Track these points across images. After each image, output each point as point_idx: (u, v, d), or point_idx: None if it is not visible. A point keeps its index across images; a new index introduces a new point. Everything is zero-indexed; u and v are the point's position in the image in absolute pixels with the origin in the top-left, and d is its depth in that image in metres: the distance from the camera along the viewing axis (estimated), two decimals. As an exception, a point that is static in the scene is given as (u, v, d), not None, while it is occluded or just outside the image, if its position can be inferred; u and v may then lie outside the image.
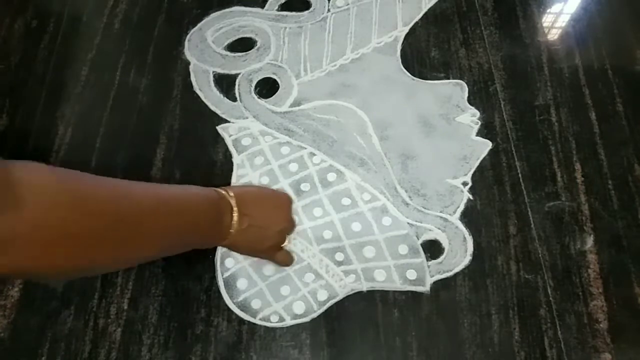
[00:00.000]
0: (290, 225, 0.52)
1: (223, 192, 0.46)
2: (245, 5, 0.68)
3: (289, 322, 0.50)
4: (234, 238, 0.46)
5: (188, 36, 0.66)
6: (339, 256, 0.53)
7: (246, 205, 0.46)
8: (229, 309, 0.51)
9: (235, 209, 0.45)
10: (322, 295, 0.51)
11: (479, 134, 0.59)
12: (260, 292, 0.51)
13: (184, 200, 0.41)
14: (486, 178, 0.57)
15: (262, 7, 0.68)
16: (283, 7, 0.68)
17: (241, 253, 0.51)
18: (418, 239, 0.54)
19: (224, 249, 0.53)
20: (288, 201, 0.54)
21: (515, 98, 0.61)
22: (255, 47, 0.65)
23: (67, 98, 0.62)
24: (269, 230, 0.49)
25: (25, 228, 0.28)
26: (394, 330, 0.50)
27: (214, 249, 0.53)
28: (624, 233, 0.54)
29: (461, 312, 0.50)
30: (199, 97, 0.62)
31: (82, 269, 0.34)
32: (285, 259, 0.52)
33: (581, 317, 0.50)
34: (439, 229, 0.54)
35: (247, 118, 0.60)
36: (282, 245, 0.52)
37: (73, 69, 0.64)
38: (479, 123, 0.60)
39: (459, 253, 0.53)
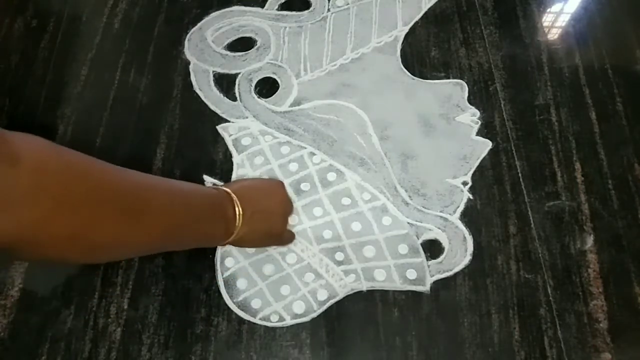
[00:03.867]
0: (290, 207, 0.53)
1: (221, 188, 0.46)
2: (245, 5, 0.68)
3: (289, 321, 0.50)
4: (241, 231, 0.46)
5: (188, 36, 0.66)
6: (339, 256, 0.53)
7: (245, 195, 0.46)
8: (229, 309, 0.51)
9: (236, 200, 0.45)
10: (322, 295, 0.51)
11: (479, 133, 0.59)
12: (260, 291, 0.51)
13: (184, 190, 0.41)
14: (486, 178, 0.57)
15: (262, 6, 0.68)
16: (283, 7, 0.68)
17: (250, 246, 0.51)
18: (418, 238, 0.54)
19: (224, 249, 0.53)
20: (281, 184, 0.54)
21: (515, 98, 0.61)
22: (255, 47, 0.65)
23: (67, 98, 0.62)
24: (272, 214, 0.50)
25: (24, 186, 0.27)
26: (394, 329, 0.50)
27: (214, 249, 0.53)
28: (624, 233, 0.54)
29: (461, 311, 0.50)
30: (198, 96, 0.62)
31: (82, 245, 0.33)
32: (290, 239, 0.53)
33: (581, 317, 0.50)
34: (439, 228, 0.54)
35: (247, 118, 0.60)
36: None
37: (73, 68, 0.64)
38: (479, 123, 0.60)
39: (459, 253, 0.53)
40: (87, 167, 0.33)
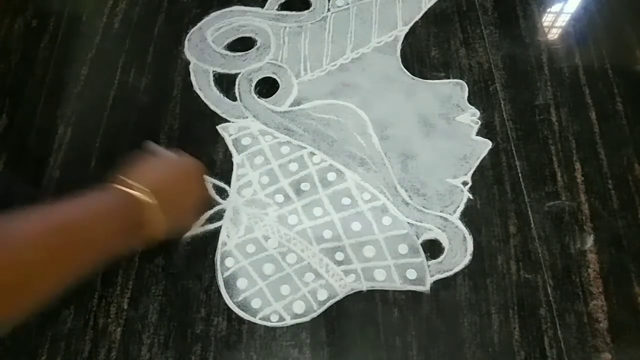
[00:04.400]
0: (201, 173, 0.46)
1: (119, 187, 0.39)
2: (245, 5, 0.68)
3: (289, 321, 0.50)
4: (156, 227, 0.39)
5: (188, 36, 0.66)
6: (339, 256, 0.53)
7: (159, 189, 0.39)
8: (229, 309, 0.51)
9: (147, 198, 0.39)
10: (322, 295, 0.51)
11: (479, 133, 0.59)
12: (260, 291, 0.51)
13: (77, 223, 0.36)
14: (486, 178, 0.57)
15: (262, 6, 0.68)
16: (283, 7, 0.68)
17: (171, 236, 0.42)
18: (418, 238, 0.54)
19: (224, 249, 0.53)
20: (173, 156, 0.46)
21: (515, 98, 0.61)
22: (255, 47, 0.65)
23: (67, 98, 0.62)
24: (190, 202, 0.44)
25: None
26: (394, 329, 0.50)
27: (214, 249, 0.53)
28: (624, 233, 0.54)
29: (461, 311, 0.50)
30: (198, 96, 0.62)
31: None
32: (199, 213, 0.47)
33: (581, 317, 0.50)
34: (439, 228, 0.54)
35: (247, 117, 0.60)
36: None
37: (73, 68, 0.64)
38: (479, 122, 0.60)
39: (459, 252, 0.53)
40: None
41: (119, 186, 0.39)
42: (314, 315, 0.50)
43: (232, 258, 0.53)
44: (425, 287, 0.51)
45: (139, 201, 0.39)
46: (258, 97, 0.62)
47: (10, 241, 0.32)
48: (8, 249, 0.31)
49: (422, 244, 0.53)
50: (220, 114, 0.61)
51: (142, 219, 0.39)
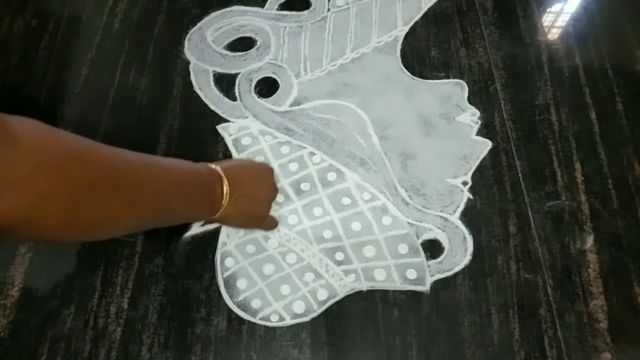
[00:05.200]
0: (275, 193, 0.53)
1: (211, 165, 0.46)
2: (245, 5, 0.68)
3: (289, 321, 0.50)
4: (226, 210, 0.46)
5: (188, 35, 0.66)
6: (339, 256, 0.53)
7: (234, 177, 0.47)
8: (229, 309, 0.51)
9: (225, 180, 0.46)
10: (322, 295, 0.51)
11: (479, 133, 0.59)
12: (260, 291, 0.51)
13: (175, 168, 0.42)
14: (486, 177, 0.57)
15: (262, 6, 0.68)
16: (283, 7, 0.68)
17: (233, 225, 0.52)
18: (418, 238, 0.54)
19: (224, 249, 0.53)
20: (270, 170, 0.54)
21: (515, 97, 0.61)
22: (255, 47, 0.65)
23: (67, 97, 0.62)
24: (258, 199, 0.50)
25: (22, 168, 0.28)
26: (394, 329, 0.50)
27: (214, 248, 0.53)
28: (624, 232, 0.54)
29: (461, 311, 0.50)
30: (198, 96, 0.62)
31: (79, 225, 0.33)
32: (272, 225, 0.53)
33: (581, 317, 0.50)
34: (439, 228, 0.54)
35: (247, 117, 0.60)
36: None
37: (73, 68, 0.64)
38: (479, 122, 0.60)
39: (459, 252, 0.53)
40: (82, 148, 0.33)
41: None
42: (314, 315, 0.50)
43: (232, 258, 0.53)
44: (425, 287, 0.51)
45: (213, 171, 0.46)
46: (258, 97, 0.62)
47: (121, 151, 0.36)
48: (121, 155, 0.36)
49: (422, 244, 0.53)
50: (220, 114, 0.61)
51: (214, 188, 0.45)
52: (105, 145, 0.36)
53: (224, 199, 0.45)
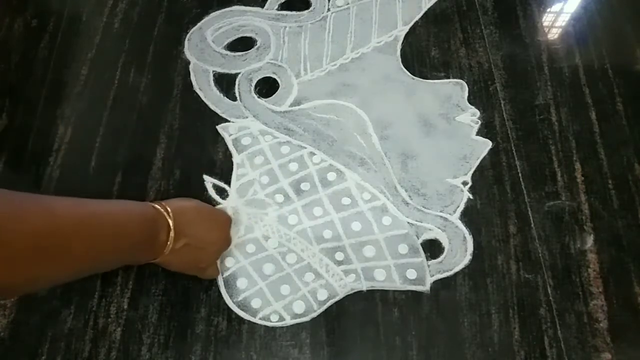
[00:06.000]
0: (227, 246, 0.51)
1: (161, 209, 0.43)
2: (245, 5, 0.68)
3: (289, 321, 0.50)
4: (167, 257, 0.44)
5: (188, 35, 0.66)
6: (339, 255, 0.53)
7: (184, 223, 0.44)
8: (229, 309, 0.51)
9: (172, 227, 0.43)
10: (322, 295, 0.51)
11: (479, 133, 0.59)
12: (260, 291, 0.51)
13: (115, 217, 0.39)
14: (486, 177, 0.57)
15: (262, 6, 0.68)
16: (283, 7, 0.68)
17: (171, 270, 0.49)
18: (418, 238, 0.54)
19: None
20: (227, 220, 0.52)
21: (516, 97, 0.61)
22: (255, 47, 0.65)
23: (67, 97, 0.62)
24: (205, 251, 0.48)
25: None
26: (394, 329, 0.50)
27: (214, 249, 0.53)
28: (624, 232, 0.54)
29: (461, 311, 0.50)
30: (198, 96, 0.62)
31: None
32: (213, 274, 0.51)
33: (581, 317, 0.50)
34: (439, 228, 0.54)
35: (247, 117, 0.60)
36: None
37: (73, 68, 0.64)
38: (479, 122, 0.60)
39: (459, 252, 0.53)
40: (4, 211, 0.31)
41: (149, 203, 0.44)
42: (314, 315, 0.50)
43: (232, 258, 0.53)
44: (425, 287, 0.51)
45: (162, 216, 0.43)
46: (258, 97, 0.62)
47: (49, 209, 0.34)
48: (49, 215, 0.33)
49: (422, 244, 0.53)
50: (220, 114, 0.61)
51: (158, 235, 0.43)
52: (31, 199, 0.33)
53: (167, 248, 0.43)
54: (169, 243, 0.43)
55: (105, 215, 0.38)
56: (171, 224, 0.43)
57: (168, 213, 0.43)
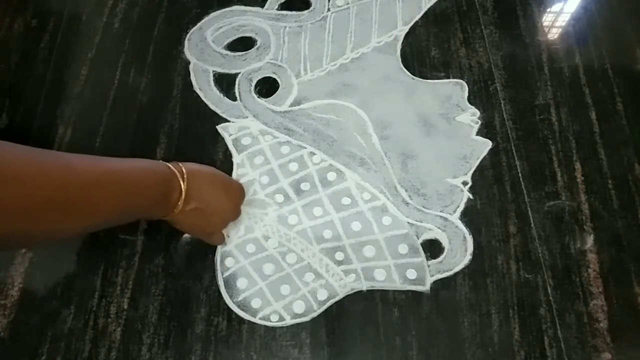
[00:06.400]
0: (235, 217, 0.52)
1: (176, 170, 0.45)
2: (245, 5, 0.68)
3: (289, 321, 0.50)
4: (177, 216, 0.46)
5: (188, 35, 0.66)
6: (339, 255, 0.53)
7: (196, 187, 0.46)
8: (229, 309, 0.51)
9: (184, 190, 0.44)
10: (322, 295, 0.51)
11: (479, 133, 0.59)
12: (260, 291, 0.51)
13: (131, 175, 0.41)
14: (486, 177, 0.57)
15: (262, 6, 0.68)
16: (283, 7, 0.68)
17: (179, 229, 0.50)
18: (418, 238, 0.54)
19: (224, 248, 0.53)
20: (239, 191, 0.53)
21: (516, 97, 0.61)
22: (255, 47, 0.65)
23: (67, 97, 0.62)
24: (213, 216, 0.48)
25: None
26: (394, 329, 0.50)
27: (214, 248, 0.53)
28: (624, 232, 0.54)
29: (461, 311, 0.50)
30: (198, 96, 0.62)
31: (19, 238, 0.34)
32: (218, 241, 0.52)
33: (581, 317, 0.50)
34: (439, 228, 0.54)
35: (247, 117, 0.60)
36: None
37: (73, 68, 0.64)
38: (479, 122, 0.60)
39: (459, 252, 0.53)
40: (26, 165, 0.32)
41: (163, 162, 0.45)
42: (314, 315, 0.50)
43: (232, 258, 0.53)
44: (425, 287, 0.52)
45: (175, 177, 0.44)
46: (258, 97, 0.62)
47: (69, 164, 0.36)
48: (69, 171, 0.35)
49: (422, 244, 0.53)
50: (220, 114, 0.61)
51: (170, 194, 0.44)
52: (56, 157, 0.35)
53: (177, 207, 0.44)
54: (179, 203, 0.44)
55: (122, 171, 0.40)
56: (183, 187, 0.44)
57: (182, 175, 0.45)
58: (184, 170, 0.45)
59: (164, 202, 0.44)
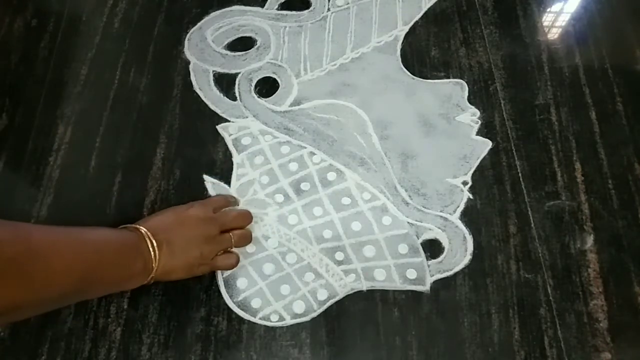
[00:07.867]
0: (205, 229, 0.50)
1: (132, 227, 0.46)
2: (245, 5, 0.68)
3: (289, 321, 0.50)
4: (161, 263, 0.45)
5: (188, 35, 0.66)
6: (339, 255, 0.53)
7: (157, 229, 0.46)
8: (229, 308, 0.51)
9: (149, 236, 0.45)
10: (322, 295, 0.51)
11: (479, 133, 0.59)
12: (260, 291, 0.51)
13: (96, 239, 0.41)
14: (486, 177, 0.57)
15: (262, 6, 0.68)
16: (283, 6, 0.68)
17: (179, 276, 0.49)
18: (418, 238, 0.54)
19: (224, 249, 0.53)
20: (186, 207, 0.51)
21: (516, 97, 0.61)
22: (255, 46, 0.65)
23: (67, 97, 0.62)
24: (191, 242, 0.48)
25: None
26: (394, 329, 0.50)
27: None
28: (624, 232, 0.54)
29: (461, 311, 0.50)
30: (198, 96, 0.62)
31: None
32: (228, 263, 0.51)
33: (581, 317, 0.50)
34: (439, 228, 0.54)
35: (247, 117, 0.60)
36: (225, 249, 0.51)
37: (73, 68, 0.64)
38: (479, 122, 0.60)
39: (459, 252, 0.53)
40: None
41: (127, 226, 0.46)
42: (314, 315, 0.50)
43: (232, 258, 0.53)
44: (425, 287, 0.51)
45: (140, 233, 0.45)
46: (258, 97, 0.62)
47: (25, 234, 0.35)
48: (24, 241, 0.34)
49: (422, 244, 0.53)
50: (220, 114, 0.61)
51: (142, 252, 0.44)
52: (6, 226, 0.34)
53: (153, 254, 0.45)
54: (153, 249, 0.45)
55: (83, 232, 0.40)
56: (147, 234, 0.45)
57: (139, 227, 0.45)
58: (136, 225, 0.46)
59: (138, 258, 0.44)
